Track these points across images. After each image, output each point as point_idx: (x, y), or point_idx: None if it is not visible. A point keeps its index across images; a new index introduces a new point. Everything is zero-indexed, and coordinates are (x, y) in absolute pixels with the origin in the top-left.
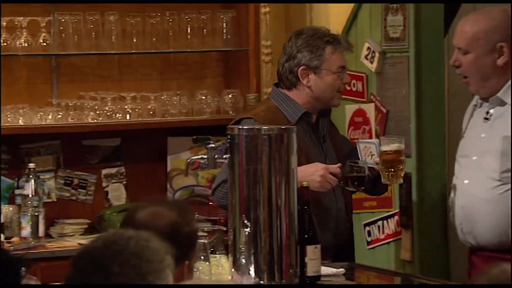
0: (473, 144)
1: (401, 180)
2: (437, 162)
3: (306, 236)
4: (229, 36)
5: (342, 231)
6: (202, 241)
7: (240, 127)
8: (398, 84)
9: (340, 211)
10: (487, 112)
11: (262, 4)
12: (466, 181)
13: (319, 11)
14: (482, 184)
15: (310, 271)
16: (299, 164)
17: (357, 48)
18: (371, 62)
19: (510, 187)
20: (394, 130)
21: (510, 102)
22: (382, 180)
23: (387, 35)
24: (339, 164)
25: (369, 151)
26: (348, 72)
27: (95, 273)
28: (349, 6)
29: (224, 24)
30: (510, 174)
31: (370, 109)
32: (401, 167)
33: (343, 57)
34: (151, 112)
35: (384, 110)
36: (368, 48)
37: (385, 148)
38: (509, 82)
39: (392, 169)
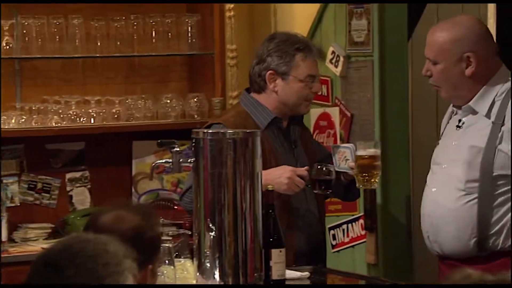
0: (444, 152)
1: (376, 185)
2: (401, 165)
3: (271, 239)
4: (194, 40)
5: (315, 235)
6: (167, 245)
7: (205, 131)
8: (363, 88)
9: (313, 215)
10: (460, 120)
11: (227, 8)
12: (434, 189)
13: (283, 15)
14: (448, 193)
15: (275, 275)
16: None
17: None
18: (336, 66)
19: (474, 197)
20: (359, 133)
21: (481, 111)
22: (357, 185)
23: (351, 40)
24: (306, 167)
25: (344, 156)
26: None
27: (51, 276)
28: (314, 10)
29: (189, 28)
30: (475, 184)
31: (335, 113)
32: (376, 172)
33: (315, 66)
34: (116, 116)
35: (349, 114)
36: (333, 52)
37: (361, 152)
38: (481, 91)
39: (367, 174)
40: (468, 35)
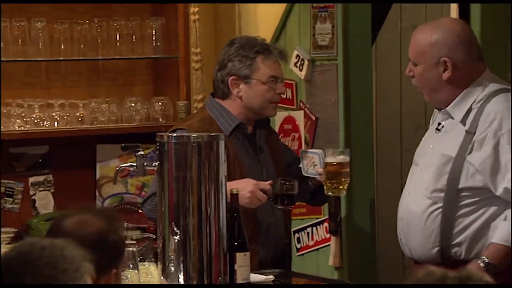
0: (423, 154)
1: (344, 193)
2: (365, 169)
3: (235, 243)
4: (158, 43)
5: (280, 242)
6: (131, 249)
7: (170, 134)
8: (327, 91)
9: (279, 221)
10: (439, 124)
11: (191, 11)
12: (407, 193)
13: (248, 18)
14: (417, 199)
15: (239, 278)
16: (234, 176)
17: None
18: (300, 70)
19: (439, 206)
20: (323, 137)
21: (457, 118)
22: (325, 192)
23: (315, 43)
24: (270, 181)
25: (312, 161)
26: None
27: (9, 284)
28: (279, 14)
29: (154, 31)
30: (441, 194)
31: (299, 117)
32: (345, 179)
33: (277, 67)
34: (80, 120)
35: (313, 118)
36: (297, 55)
37: (330, 159)
38: (460, 96)
39: (336, 181)
40: (446, 39)
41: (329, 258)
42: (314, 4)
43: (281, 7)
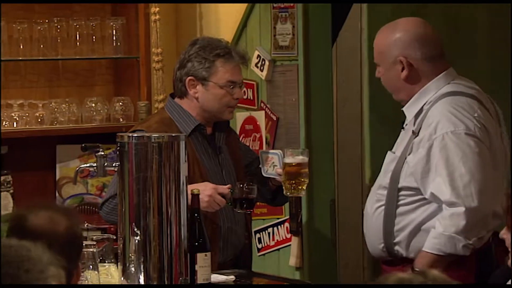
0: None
1: (303, 193)
2: (326, 169)
3: (196, 243)
4: (119, 44)
5: (240, 243)
6: (91, 250)
7: (130, 134)
8: (288, 91)
9: (239, 222)
10: (403, 122)
11: (152, 11)
12: (371, 191)
13: (209, 19)
14: (371, 197)
15: (200, 279)
16: (194, 177)
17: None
18: (261, 70)
19: (381, 204)
20: (284, 137)
21: (408, 117)
22: (284, 192)
23: (276, 44)
24: (228, 185)
25: (272, 162)
26: None
27: (9, 284)
28: (239, 15)
29: (114, 31)
30: (384, 192)
31: (260, 117)
32: (304, 180)
33: (236, 72)
34: (39, 120)
35: (274, 118)
36: (258, 56)
37: (288, 160)
38: (415, 96)
39: (294, 182)
40: (402, 38)
41: (290, 258)
42: (274, 5)
43: (242, 8)
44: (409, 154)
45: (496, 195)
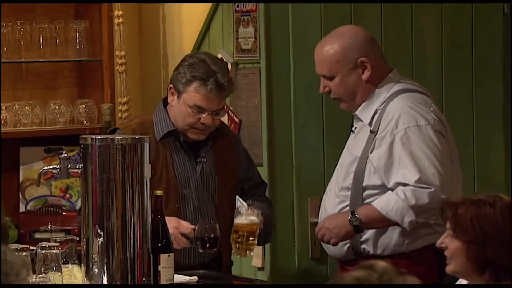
0: (342, 156)
1: (252, 254)
2: (286, 170)
3: (159, 244)
4: (82, 46)
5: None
6: (55, 251)
7: (93, 136)
8: (250, 94)
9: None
10: (352, 125)
11: (115, 14)
12: (326, 193)
13: (172, 22)
14: (330, 198)
15: (163, 279)
16: (160, 181)
17: None
18: None
19: (346, 204)
20: (247, 138)
21: (365, 120)
22: (232, 251)
23: (239, 47)
24: (192, 226)
25: (239, 210)
26: None
27: (10, 284)
28: (202, 18)
29: (77, 34)
30: (348, 192)
31: (223, 119)
32: (251, 242)
33: (208, 100)
34: (3, 122)
35: (237, 120)
36: (221, 59)
37: (238, 221)
38: (367, 100)
39: (243, 243)
40: (356, 42)
41: (252, 259)
42: (237, 8)
43: (204, 11)
44: (371, 152)
45: (454, 188)
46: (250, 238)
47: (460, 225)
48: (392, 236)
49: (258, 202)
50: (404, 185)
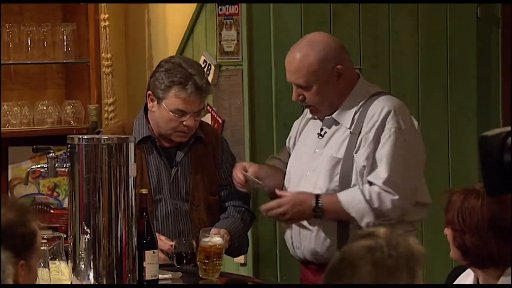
0: (307, 160)
1: (217, 276)
2: None
3: (144, 241)
4: (69, 49)
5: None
6: (42, 248)
7: (80, 136)
8: (233, 95)
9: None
10: (322, 129)
11: (102, 18)
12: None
13: (157, 25)
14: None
15: (148, 275)
16: (137, 183)
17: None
18: (208, 75)
19: None
20: (230, 138)
21: (344, 123)
22: (199, 273)
23: (222, 49)
24: (171, 242)
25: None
26: None
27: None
28: (186, 21)
29: (65, 36)
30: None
31: (207, 119)
32: (218, 262)
33: (189, 102)
34: None
35: (220, 120)
36: (204, 61)
37: (203, 243)
38: (344, 104)
39: (208, 263)
40: (331, 50)
41: None
42: (220, 12)
43: (188, 15)
44: (355, 153)
45: (420, 190)
46: (215, 259)
47: (450, 213)
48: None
49: (233, 215)
50: (373, 184)
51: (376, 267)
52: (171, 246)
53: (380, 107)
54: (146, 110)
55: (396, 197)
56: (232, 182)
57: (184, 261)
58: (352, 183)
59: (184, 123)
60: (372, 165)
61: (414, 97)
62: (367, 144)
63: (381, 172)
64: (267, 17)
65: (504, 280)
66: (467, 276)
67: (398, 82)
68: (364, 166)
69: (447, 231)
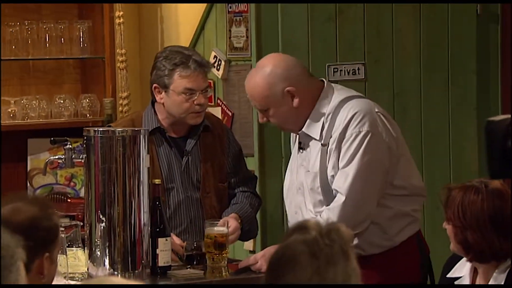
0: (296, 175)
1: (225, 264)
2: (276, 160)
3: (157, 229)
4: (85, 45)
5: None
6: (60, 235)
7: (96, 128)
8: (242, 89)
9: (198, 214)
10: (300, 143)
11: (116, 15)
12: (295, 213)
13: (169, 22)
14: (306, 216)
15: (161, 262)
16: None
17: (204, 57)
18: (218, 70)
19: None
20: (239, 131)
21: (314, 135)
22: (207, 263)
23: (231, 45)
24: (182, 243)
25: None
26: None
27: (18, 284)
28: (197, 19)
29: (81, 33)
30: (323, 208)
31: (217, 113)
32: (225, 251)
33: (195, 80)
34: (12, 115)
35: (230, 114)
36: (215, 56)
37: (210, 231)
38: (310, 115)
39: (214, 253)
40: (278, 73)
41: (244, 242)
42: (229, 9)
43: (199, 12)
44: (328, 164)
45: (376, 194)
46: (222, 249)
47: (450, 210)
48: (377, 234)
49: (242, 201)
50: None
51: (315, 258)
52: (182, 247)
53: (345, 114)
54: (152, 104)
55: (343, 198)
56: (238, 170)
57: (194, 262)
58: (334, 193)
59: (195, 102)
60: (337, 173)
61: (415, 91)
62: (332, 154)
63: (339, 180)
64: (275, 14)
65: (496, 275)
66: (464, 265)
67: (400, 77)
68: (332, 176)
69: (448, 227)
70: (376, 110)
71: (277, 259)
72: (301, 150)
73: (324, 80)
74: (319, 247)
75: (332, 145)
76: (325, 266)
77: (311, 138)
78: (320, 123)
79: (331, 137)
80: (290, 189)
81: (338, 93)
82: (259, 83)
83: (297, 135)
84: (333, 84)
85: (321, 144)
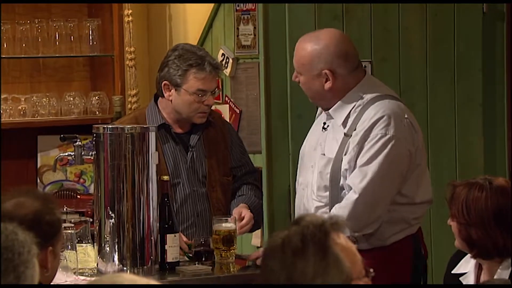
0: (312, 151)
1: (233, 259)
2: (283, 157)
3: (166, 225)
4: (95, 43)
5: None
6: (70, 231)
7: (105, 126)
8: (250, 87)
9: (204, 212)
10: (325, 123)
11: (125, 13)
12: (302, 189)
13: (178, 21)
14: (308, 197)
15: (169, 257)
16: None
17: (212, 55)
18: (226, 67)
19: (324, 204)
20: (247, 128)
21: (338, 120)
22: (215, 259)
23: (239, 43)
24: (189, 241)
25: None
26: None
27: (10, 285)
28: (205, 17)
29: (90, 31)
30: (325, 193)
31: (225, 110)
32: (233, 247)
33: (208, 81)
34: (22, 113)
35: (238, 111)
36: (223, 54)
37: (218, 227)
38: (340, 102)
39: (223, 250)
40: (325, 53)
41: (252, 238)
42: (237, 8)
43: (207, 10)
44: (344, 155)
45: (420, 189)
46: (230, 245)
47: (454, 207)
48: (371, 234)
49: (247, 193)
50: (350, 188)
51: (283, 252)
52: (186, 244)
53: (373, 112)
54: (155, 100)
55: (355, 196)
56: (243, 163)
57: (203, 258)
58: (340, 183)
59: (204, 102)
60: (353, 169)
61: (422, 89)
62: (351, 148)
63: (356, 178)
64: (282, 12)
65: (500, 271)
66: (469, 261)
67: (407, 75)
68: (346, 170)
69: (452, 224)
70: (406, 116)
71: (267, 245)
72: (324, 130)
73: (366, 71)
74: (290, 239)
75: (354, 138)
76: (292, 258)
77: (335, 122)
78: (347, 112)
79: (355, 129)
80: (304, 161)
81: (374, 89)
82: (306, 49)
83: (320, 114)
84: (373, 79)
85: (344, 133)
